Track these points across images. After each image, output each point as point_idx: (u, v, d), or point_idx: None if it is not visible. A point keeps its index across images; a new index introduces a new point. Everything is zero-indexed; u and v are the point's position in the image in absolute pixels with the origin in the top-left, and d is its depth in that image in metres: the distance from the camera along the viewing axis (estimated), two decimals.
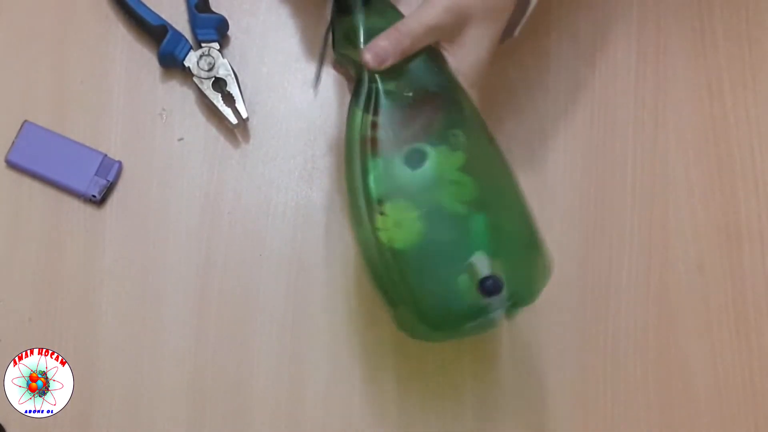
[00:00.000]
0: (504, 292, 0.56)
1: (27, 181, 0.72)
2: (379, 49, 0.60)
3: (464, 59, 0.62)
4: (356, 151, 0.60)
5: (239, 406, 0.70)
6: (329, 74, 0.74)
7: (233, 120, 0.72)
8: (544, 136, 0.74)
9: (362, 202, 0.59)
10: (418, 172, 0.59)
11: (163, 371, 0.70)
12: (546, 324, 0.71)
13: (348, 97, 0.62)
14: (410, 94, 0.60)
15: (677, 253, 0.73)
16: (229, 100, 0.72)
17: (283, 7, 0.75)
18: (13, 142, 0.72)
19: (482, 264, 0.57)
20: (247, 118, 0.72)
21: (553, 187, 0.73)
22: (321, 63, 0.67)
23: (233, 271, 0.72)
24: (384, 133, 0.59)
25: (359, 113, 0.60)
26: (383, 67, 0.60)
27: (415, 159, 0.59)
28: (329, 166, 0.73)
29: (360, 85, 0.61)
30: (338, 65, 0.66)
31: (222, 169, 0.73)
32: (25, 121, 0.72)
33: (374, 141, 0.59)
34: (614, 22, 0.76)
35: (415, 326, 0.60)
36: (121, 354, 0.70)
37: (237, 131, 0.73)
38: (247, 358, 0.70)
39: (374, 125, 0.59)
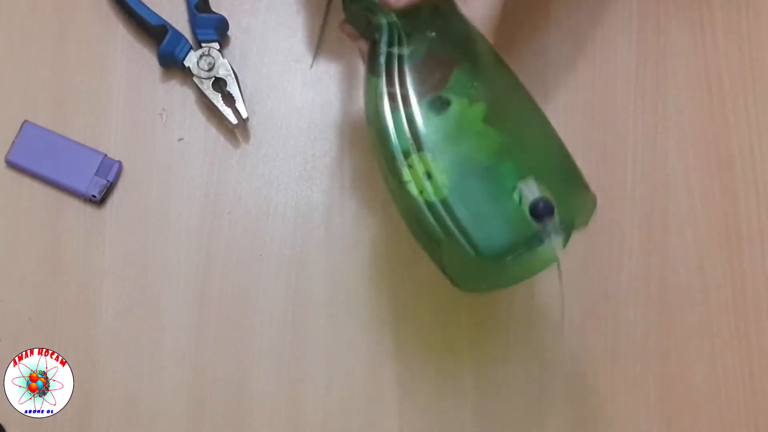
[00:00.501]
0: (556, 216, 0.55)
1: (27, 181, 0.72)
2: None
3: (478, 7, 0.61)
4: (379, 106, 0.59)
5: (239, 406, 0.70)
6: (329, 73, 0.74)
7: (233, 120, 0.72)
8: None
9: (389, 157, 0.58)
10: (441, 125, 0.58)
11: (163, 371, 0.70)
12: (545, 324, 0.71)
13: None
14: (433, 34, 0.60)
15: (677, 253, 0.73)
16: (229, 100, 0.72)
17: (284, 6, 0.75)
18: (13, 142, 0.72)
19: (531, 188, 0.55)
20: (247, 118, 0.72)
21: None
22: (321, 34, 0.67)
23: (233, 271, 0.72)
24: (404, 87, 0.59)
25: (378, 71, 0.60)
26: (402, 4, 0.59)
27: (437, 110, 0.58)
28: (329, 166, 0.73)
29: (379, 35, 0.60)
30: (344, 25, 0.66)
31: (222, 169, 0.73)
32: (25, 121, 0.72)
33: (393, 96, 0.59)
34: (614, 22, 0.76)
35: (466, 267, 0.58)
36: (121, 354, 0.70)
37: (237, 131, 0.73)
38: (247, 358, 0.70)
39: (393, 80, 0.59)
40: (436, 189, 0.57)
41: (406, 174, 0.58)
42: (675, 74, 0.75)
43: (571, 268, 0.71)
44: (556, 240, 0.55)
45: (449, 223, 0.56)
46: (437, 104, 0.58)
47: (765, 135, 0.74)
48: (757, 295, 0.72)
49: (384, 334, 0.71)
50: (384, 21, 0.60)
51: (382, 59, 0.60)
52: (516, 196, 0.56)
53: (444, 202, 0.56)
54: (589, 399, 0.71)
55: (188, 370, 0.70)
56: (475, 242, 0.56)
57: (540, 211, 0.55)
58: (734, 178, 0.74)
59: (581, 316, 0.72)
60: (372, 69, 0.61)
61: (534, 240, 0.55)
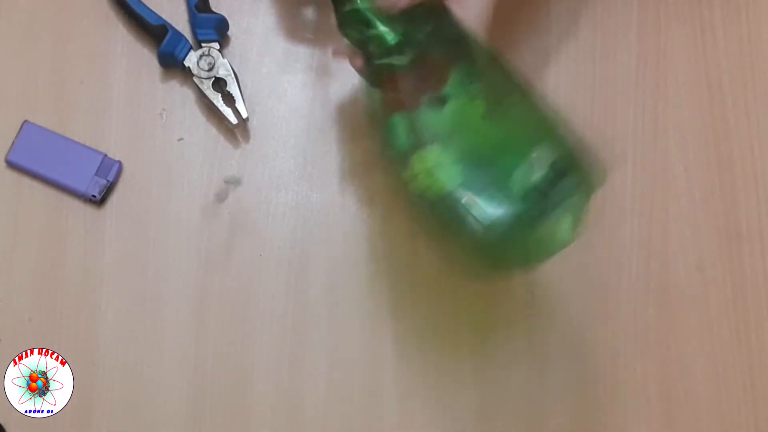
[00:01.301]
0: (566, 185, 0.56)
1: (27, 181, 0.72)
2: None
3: (470, 8, 0.62)
4: (380, 115, 0.60)
5: (239, 406, 0.70)
6: (329, 73, 0.74)
7: (233, 120, 0.72)
8: None
9: (394, 158, 0.60)
10: (443, 122, 0.59)
11: (163, 371, 0.70)
12: (545, 324, 0.71)
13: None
14: (427, 39, 0.60)
15: (677, 253, 0.73)
16: (229, 100, 0.72)
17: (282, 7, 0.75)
18: (13, 142, 0.72)
19: (545, 154, 0.56)
20: (247, 118, 0.72)
21: None
22: None
23: (233, 271, 0.72)
24: (404, 93, 0.60)
25: (376, 82, 0.61)
26: (397, 8, 0.59)
27: (436, 111, 0.59)
28: (329, 166, 0.73)
29: (374, 47, 0.61)
30: (337, 50, 0.66)
31: (222, 169, 0.73)
32: (25, 121, 0.72)
33: (393, 102, 0.60)
34: (614, 22, 0.76)
35: (478, 250, 0.58)
36: (121, 354, 0.70)
37: (237, 131, 0.73)
38: (247, 358, 0.70)
39: (392, 88, 0.60)
40: (442, 183, 0.57)
41: (410, 170, 0.58)
42: (675, 74, 0.75)
43: (571, 268, 0.72)
44: (571, 204, 0.56)
45: (456, 211, 0.57)
46: (437, 104, 0.59)
47: (765, 135, 0.74)
48: (757, 295, 0.72)
49: (384, 334, 0.71)
50: (378, 30, 0.60)
51: (379, 70, 0.60)
52: (526, 170, 0.56)
53: (450, 194, 0.57)
54: (589, 399, 0.71)
55: (188, 370, 0.70)
56: (483, 220, 0.56)
57: (557, 171, 0.56)
58: (734, 178, 0.74)
59: (581, 316, 0.72)
60: (370, 81, 0.61)
61: (542, 209, 0.56)
